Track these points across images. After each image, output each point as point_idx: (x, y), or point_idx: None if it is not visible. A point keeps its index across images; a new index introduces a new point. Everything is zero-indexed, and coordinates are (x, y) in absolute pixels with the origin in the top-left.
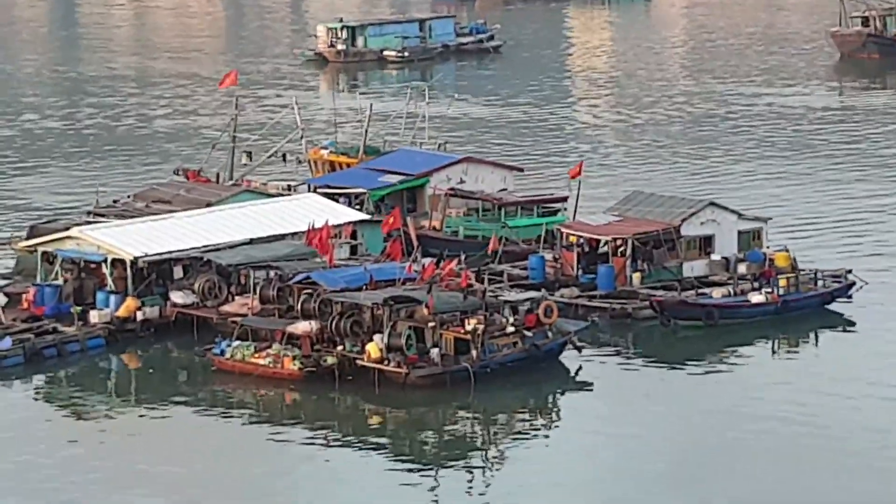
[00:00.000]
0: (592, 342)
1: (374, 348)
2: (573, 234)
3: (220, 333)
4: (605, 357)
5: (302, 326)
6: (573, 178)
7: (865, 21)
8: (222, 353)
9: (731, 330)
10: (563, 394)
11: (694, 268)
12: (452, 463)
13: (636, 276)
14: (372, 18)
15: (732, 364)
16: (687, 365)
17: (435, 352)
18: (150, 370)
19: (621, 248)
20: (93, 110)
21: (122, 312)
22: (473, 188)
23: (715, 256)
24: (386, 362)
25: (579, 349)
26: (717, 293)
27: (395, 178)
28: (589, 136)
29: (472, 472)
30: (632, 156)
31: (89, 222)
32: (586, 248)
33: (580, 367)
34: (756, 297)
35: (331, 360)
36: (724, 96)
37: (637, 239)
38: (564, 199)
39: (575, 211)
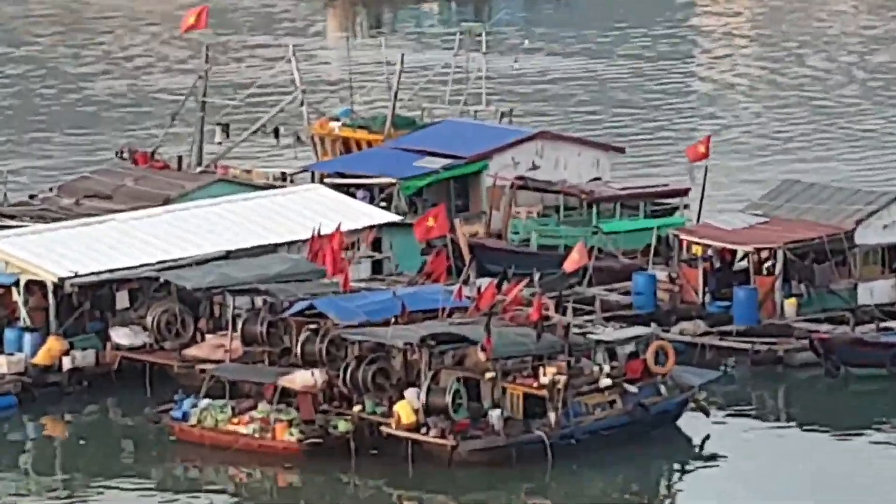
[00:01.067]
0: (725, 400)
1: (406, 410)
2: (697, 243)
3: (182, 388)
4: (745, 423)
5: (302, 378)
6: (696, 161)
7: None
8: (185, 416)
9: None
10: (681, 477)
11: (874, 291)
12: None
13: (790, 304)
14: None
15: None
16: (865, 433)
17: (495, 415)
18: (82, 441)
19: (768, 264)
20: None
21: (41, 358)
22: (552, 176)
23: None
24: (424, 430)
25: (706, 411)
26: None
27: (437, 163)
28: (718, 101)
29: None
30: (781, 130)
31: None
32: (717, 264)
33: (707, 438)
34: None
35: (344, 426)
36: None
37: (791, 250)
38: (685, 193)
39: (700, 209)
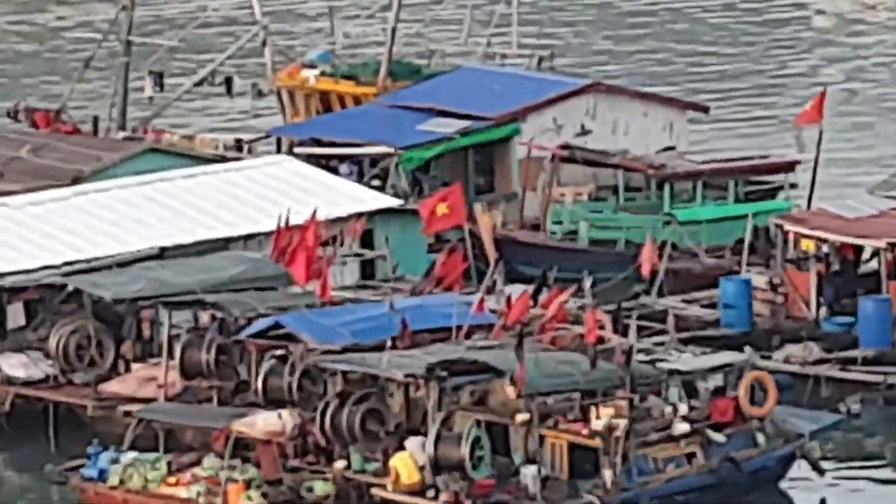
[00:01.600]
0: (847, 453)
1: (406, 465)
2: (809, 237)
3: (98, 436)
4: (874, 485)
5: (265, 422)
6: (806, 124)
7: None
8: (103, 475)
9: None
10: None
11: None
12: None
13: None
14: None
15: None
16: None
17: (529, 473)
18: None
19: None
20: None
21: None
22: (609, 145)
23: None
24: (432, 494)
25: (820, 469)
26: None
27: (451, 126)
28: (839, 43)
29: None
30: None
31: None
32: (835, 265)
33: None
34: None
35: (322, 488)
36: None
37: None
38: (791, 168)
39: (811, 190)
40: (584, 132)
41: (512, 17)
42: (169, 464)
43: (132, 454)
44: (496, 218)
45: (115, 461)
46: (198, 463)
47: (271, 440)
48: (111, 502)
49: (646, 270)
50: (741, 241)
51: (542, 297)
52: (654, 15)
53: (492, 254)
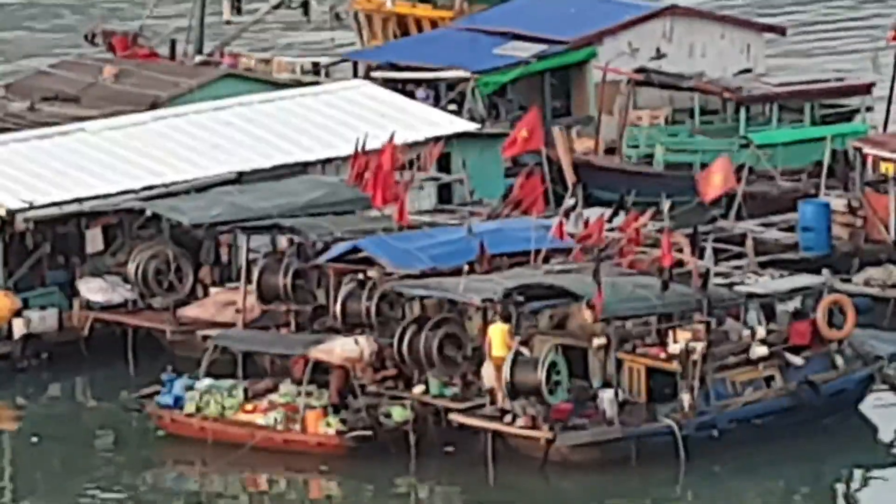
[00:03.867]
0: None
1: (499, 337)
2: (888, 160)
3: (176, 361)
4: None
5: (343, 348)
6: (894, 41)
7: None
8: (179, 402)
9: None
10: (865, 483)
11: None
12: None
13: None
14: None
15: None
16: None
17: (607, 397)
18: (35, 439)
19: None
20: None
21: None
22: (685, 68)
23: None
24: (510, 417)
25: None
26: None
27: (527, 50)
28: None
29: None
30: None
31: None
32: None
33: None
34: None
35: (400, 414)
36: None
37: None
38: (867, 90)
39: (888, 114)
40: (660, 55)
41: None
42: (245, 390)
43: (207, 381)
44: (574, 142)
45: (189, 388)
46: (274, 389)
47: (349, 367)
48: (188, 430)
49: (709, 195)
50: (818, 163)
51: (620, 221)
52: None
53: (570, 177)
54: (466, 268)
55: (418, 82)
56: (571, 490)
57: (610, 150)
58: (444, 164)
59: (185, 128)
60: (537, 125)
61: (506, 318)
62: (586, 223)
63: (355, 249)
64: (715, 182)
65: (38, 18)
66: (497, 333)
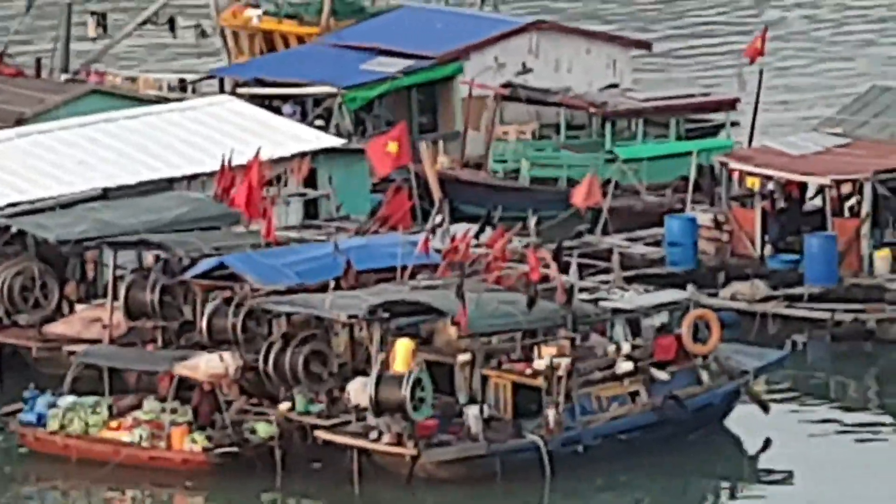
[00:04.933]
0: (794, 390)
1: (403, 353)
2: (753, 174)
3: (41, 378)
4: (820, 421)
5: (208, 365)
6: (752, 60)
7: None
8: (41, 420)
9: None
10: (730, 498)
11: None
12: None
13: (881, 257)
14: None
15: None
16: None
17: (473, 412)
18: None
19: (851, 202)
20: None
21: None
22: (552, 83)
23: None
24: (375, 434)
25: (766, 406)
26: None
27: (394, 66)
28: None
29: None
30: (871, 16)
31: None
32: (780, 202)
33: (767, 445)
34: None
35: (265, 430)
36: None
37: (883, 182)
38: (733, 106)
39: (752, 127)
40: (526, 70)
41: None
42: (110, 407)
43: (70, 398)
44: (440, 157)
45: (52, 405)
46: (139, 406)
47: (215, 383)
48: (52, 448)
49: (579, 203)
50: (683, 178)
51: (487, 236)
52: None
53: (436, 193)
54: (333, 284)
55: (285, 98)
56: None
57: (477, 166)
58: (310, 179)
59: (50, 144)
60: (405, 141)
61: (411, 335)
62: (453, 239)
63: (222, 265)
64: (582, 194)
65: None
66: (402, 349)
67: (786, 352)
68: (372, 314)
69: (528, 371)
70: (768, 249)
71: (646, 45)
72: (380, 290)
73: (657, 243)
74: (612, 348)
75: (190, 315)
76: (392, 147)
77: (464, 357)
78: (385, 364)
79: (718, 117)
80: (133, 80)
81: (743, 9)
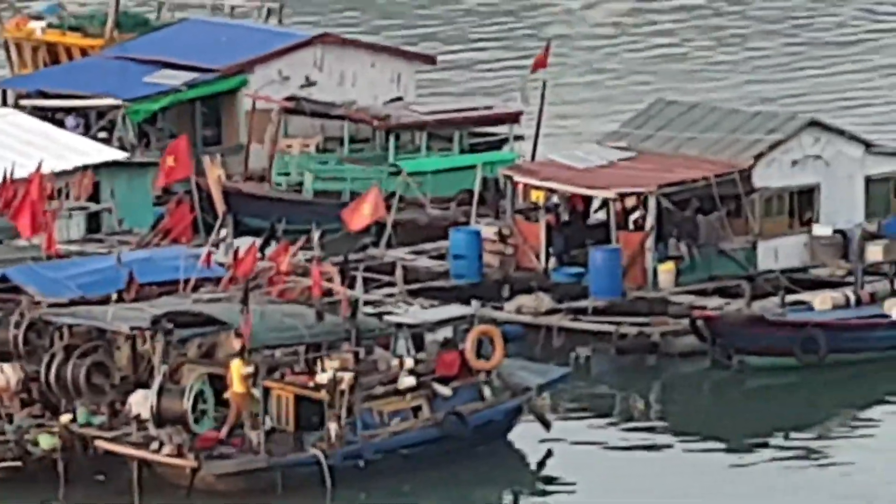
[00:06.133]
0: (577, 404)
1: (238, 374)
2: (537, 188)
3: None
4: (603, 435)
5: None
6: (533, 70)
7: None
8: None
9: (852, 374)
10: None
11: (778, 252)
12: None
13: (665, 270)
14: None
15: (861, 444)
16: (767, 443)
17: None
18: None
19: (635, 215)
20: None
21: None
22: (335, 97)
23: (821, 229)
24: (156, 446)
25: (547, 423)
26: (821, 303)
27: (178, 78)
28: None
29: None
30: (657, 30)
31: None
32: (564, 216)
33: (548, 456)
34: None
35: (47, 442)
36: None
37: (666, 195)
38: (516, 119)
39: (535, 141)
40: (310, 83)
41: None
42: None
43: None
44: (224, 170)
45: None
46: None
47: None
48: None
49: (356, 225)
50: (468, 191)
51: (271, 250)
52: None
53: (220, 206)
54: (115, 296)
55: (68, 110)
56: None
57: (261, 178)
58: (93, 194)
59: None
60: (185, 153)
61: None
62: (235, 253)
63: (3, 278)
64: (364, 212)
65: None
66: (237, 370)
67: (568, 369)
68: (155, 325)
69: (311, 384)
70: (553, 262)
71: (430, 59)
72: (163, 303)
73: (442, 256)
74: (395, 363)
75: None
76: (169, 161)
77: (247, 370)
78: (167, 376)
79: (503, 130)
80: None
81: (527, 27)
